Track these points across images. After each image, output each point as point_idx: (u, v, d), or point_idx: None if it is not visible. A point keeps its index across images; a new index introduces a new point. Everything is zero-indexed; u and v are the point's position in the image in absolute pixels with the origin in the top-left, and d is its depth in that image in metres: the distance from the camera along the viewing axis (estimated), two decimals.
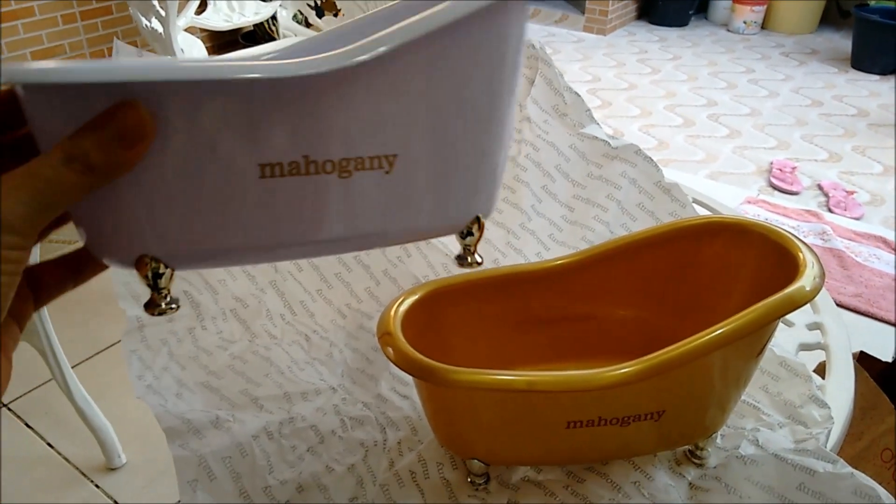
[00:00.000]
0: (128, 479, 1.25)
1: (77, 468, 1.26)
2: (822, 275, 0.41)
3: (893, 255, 1.79)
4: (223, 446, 0.46)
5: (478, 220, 0.35)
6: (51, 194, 0.24)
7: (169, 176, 0.28)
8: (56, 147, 0.25)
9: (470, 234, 0.35)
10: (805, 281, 0.40)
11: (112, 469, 1.26)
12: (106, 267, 0.32)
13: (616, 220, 0.60)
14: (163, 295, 0.30)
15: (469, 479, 0.46)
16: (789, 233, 0.45)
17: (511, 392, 0.40)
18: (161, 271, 0.29)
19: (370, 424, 0.50)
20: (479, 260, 0.36)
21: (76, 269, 0.32)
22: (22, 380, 1.42)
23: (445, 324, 0.49)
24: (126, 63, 0.25)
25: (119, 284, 0.54)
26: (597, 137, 0.61)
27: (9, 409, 1.37)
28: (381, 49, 0.28)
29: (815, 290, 0.40)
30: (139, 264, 0.29)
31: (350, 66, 0.28)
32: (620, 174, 0.60)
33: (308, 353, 0.55)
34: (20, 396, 1.40)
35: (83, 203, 0.27)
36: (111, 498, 1.22)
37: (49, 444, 1.30)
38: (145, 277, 0.29)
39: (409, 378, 0.53)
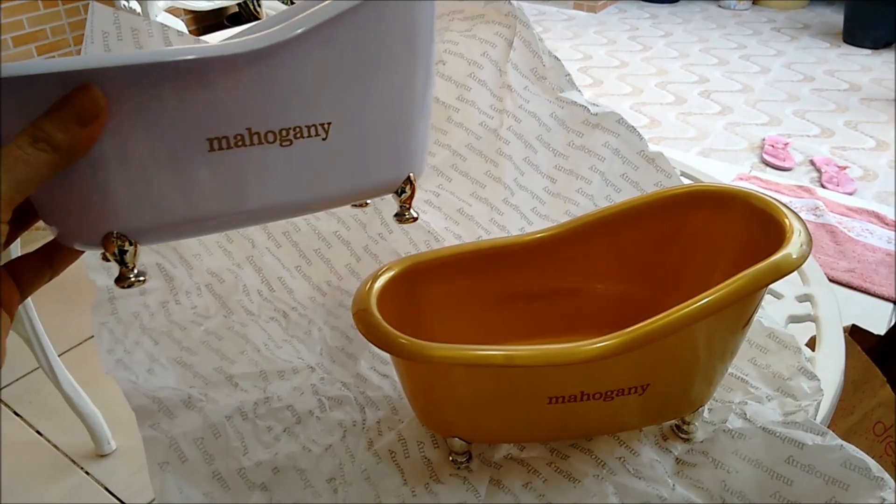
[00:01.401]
0: (118, 465, 1.24)
1: (67, 455, 1.25)
2: (810, 242, 0.40)
3: (886, 230, 1.78)
4: (195, 427, 0.45)
5: (409, 179, 0.39)
6: (22, 174, 0.27)
7: (124, 155, 0.31)
8: (22, 132, 0.28)
9: (403, 191, 0.39)
10: (791, 248, 0.39)
11: (102, 455, 1.25)
12: (77, 256, 0.35)
13: (600, 193, 0.59)
14: (130, 268, 0.33)
15: (451, 458, 0.45)
16: (775, 199, 0.43)
17: (489, 367, 0.39)
18: (126, 248, 0.32)
19: (349, 404, 0.48)
20: (414, 215, 0.40)
21: (51, 259, 0.34)
22: (9, 368, 1.41)
23: (424, 300, 0.48)
24: (72, 59, 0.29)
25: (90, 255, 0.52)
26: (576, 103, 0.59)
27: None
28: (296, 32, 0.32)
29: (802, 258, 0.39)
30: (106, 242, 0.32)
31: (269, 47, 0.32)
32: (603, 145, 0.59)
33: (286, 331, 0.54)
34: (7, 385, 1.38)
35: (49, 193, 0.30)
36: (101, 484, 1.21)
37: (38, 432, 1.29)
38: (113, 254, 0.32)
39: (389, 356, 0.52)
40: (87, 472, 1.23)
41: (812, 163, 2.17)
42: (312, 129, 0.35)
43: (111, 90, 0.29)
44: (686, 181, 0.72)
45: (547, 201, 0.60)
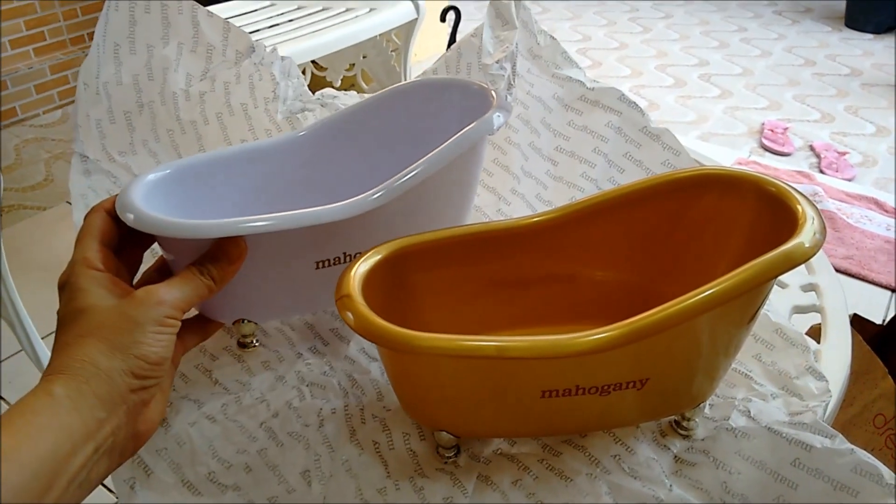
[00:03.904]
0: None
1: None
2: (823, 230, 0.37)
3: (885, 217, 1.75)
4: (154, 440, 0.43)
5: None
6: (192, 292, 0.39)
7: (257, 275, 0.43)
8: (193, 265, 0.41)
9: None
10: (804, 237, 0.36)
11: None
12: (221, 325, 0.47)
13: (603, 176, 0.56)
14: (248, 339, 0.48)
15: (437, 451, 0.43)
16: (787, 185, 0.41)
17: (480, 359, 0.37)
18: (247, 323, 0.47)
19: (331, 390, 0.46)
20: None
21: (204, 324, 0.46)
22: None
23: (414, 286, 0.45)
24: (226, 223, 0.40)
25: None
26: (571, 78, 0.56)
27: None
28: (391, 197, 0.43)
29: (816, 247, 0.36)
30: (235, 322, 0.46)
31: (373, 210, 0.43)
32: (605, 125, 0.56)
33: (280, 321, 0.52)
34: None
35: None
36: None
37: None
38: (236, 325, 0.47)
39: None
40: None
41: (811, 148, 2.14)
42: None
43: (252, 239, 0.41)
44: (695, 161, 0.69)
45: (550, 186, 0.57)
